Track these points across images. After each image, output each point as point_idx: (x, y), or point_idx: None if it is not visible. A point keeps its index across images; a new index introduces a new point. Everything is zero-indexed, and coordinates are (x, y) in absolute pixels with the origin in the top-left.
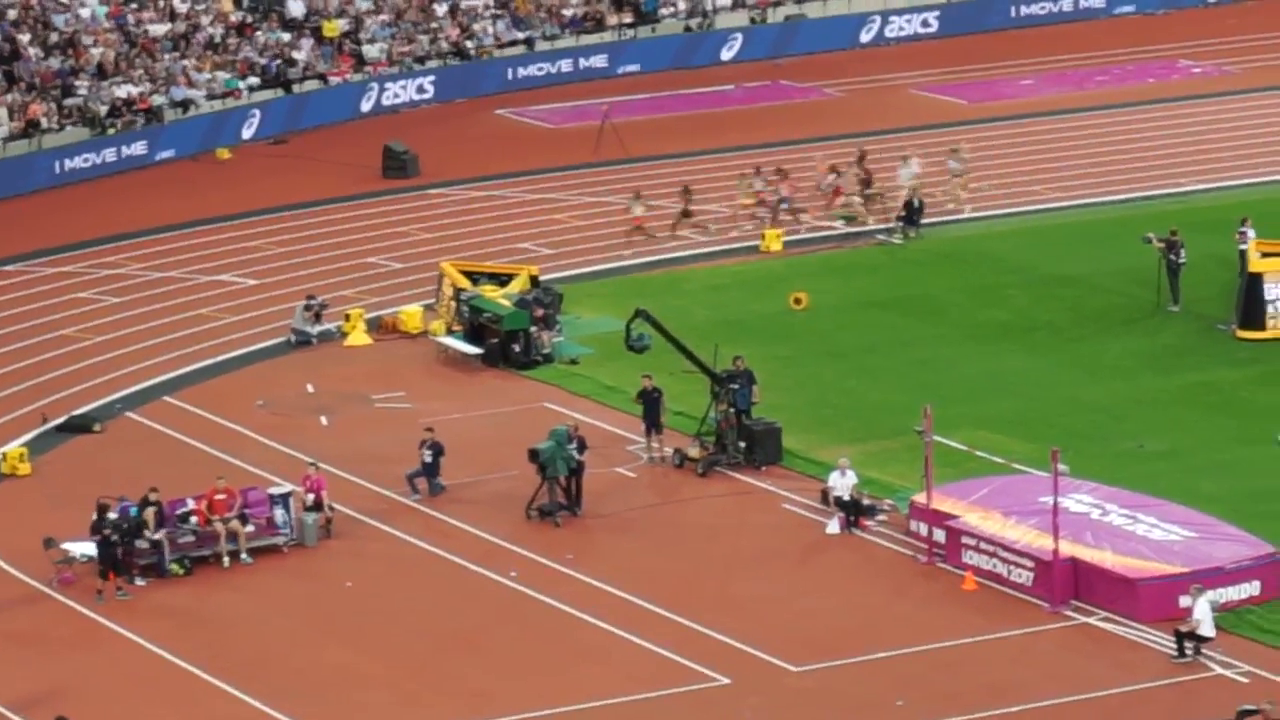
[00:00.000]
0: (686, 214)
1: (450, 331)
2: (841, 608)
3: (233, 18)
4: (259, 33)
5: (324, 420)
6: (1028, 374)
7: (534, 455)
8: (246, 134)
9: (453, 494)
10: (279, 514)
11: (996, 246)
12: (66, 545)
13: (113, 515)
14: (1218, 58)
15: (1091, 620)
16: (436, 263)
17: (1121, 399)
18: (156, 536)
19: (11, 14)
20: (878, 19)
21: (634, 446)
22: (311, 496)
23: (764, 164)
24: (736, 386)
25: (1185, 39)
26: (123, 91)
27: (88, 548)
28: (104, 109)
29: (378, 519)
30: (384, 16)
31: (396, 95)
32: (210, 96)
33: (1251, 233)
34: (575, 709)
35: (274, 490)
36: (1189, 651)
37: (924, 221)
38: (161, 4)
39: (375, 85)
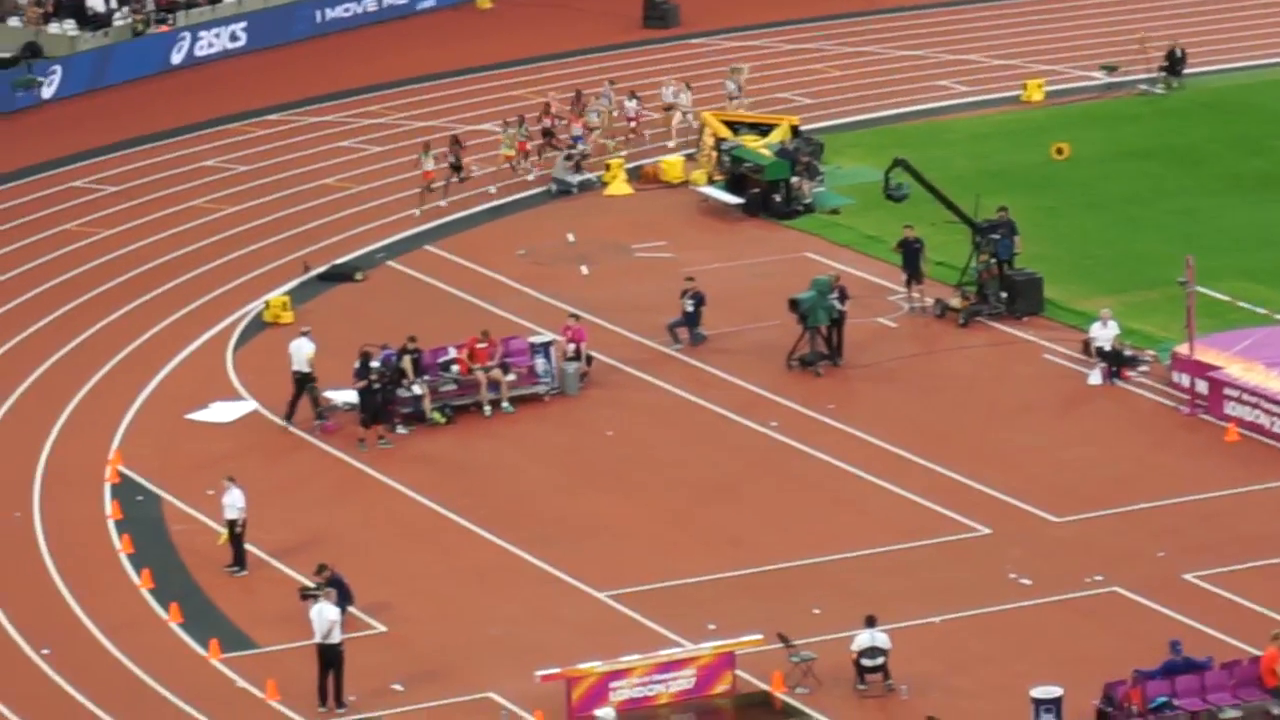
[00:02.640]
0: (456, 168)
1: (711, 181)
2: (1103, 458)
3: None
4: None
5: (585, 270)
6: None
7: (795, 305)
8: None
9: (714, 343)
10: (540, 363)
11: (1259, 97)
12: (329, 393)
13: (375, 363)
14: None
15: None
16: (698, 113)
17: None
18: (416, 388)
19: None
20: None
21: (895, 296)
22: (572, 346)
23: (528, 113)
24: (998, 237)
25: None
26: None
27: (350, 396)
28: None
29: (639, 368)
30: None
31: None
32: None
33: None
34: (834, 558)
35: (535, 339)
36: None
37: (1185, 71)
38: None
39: None
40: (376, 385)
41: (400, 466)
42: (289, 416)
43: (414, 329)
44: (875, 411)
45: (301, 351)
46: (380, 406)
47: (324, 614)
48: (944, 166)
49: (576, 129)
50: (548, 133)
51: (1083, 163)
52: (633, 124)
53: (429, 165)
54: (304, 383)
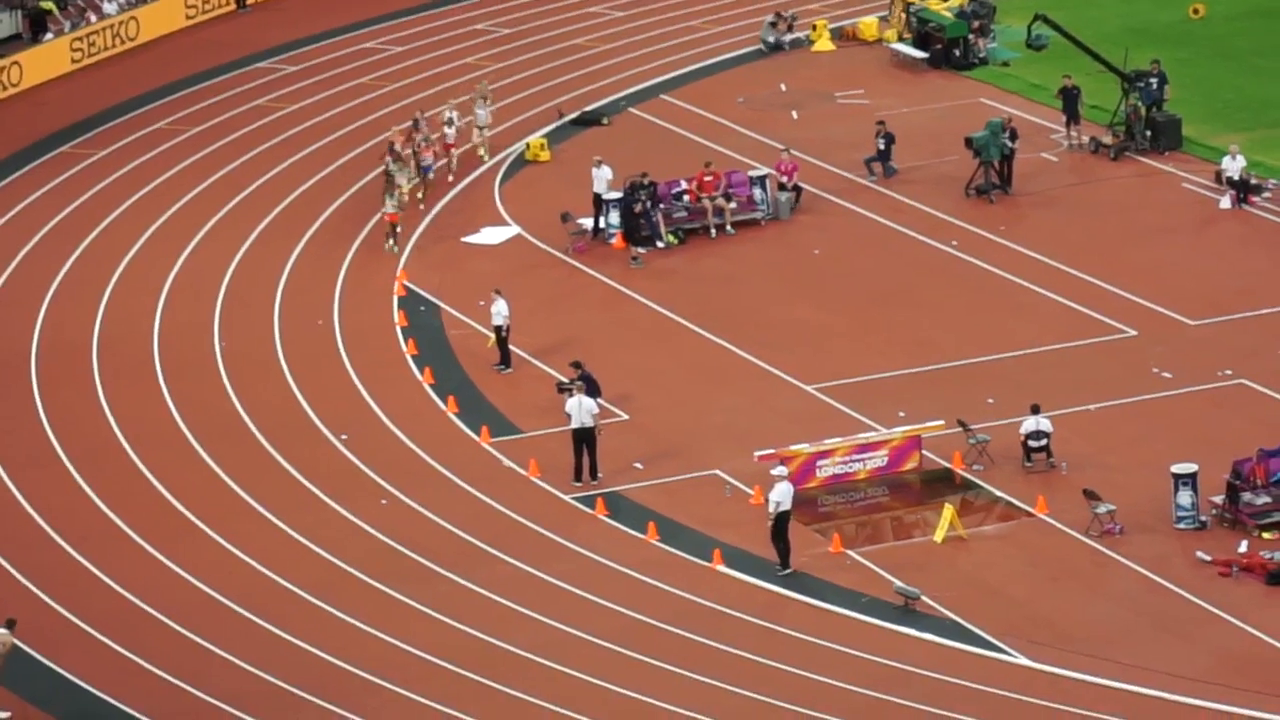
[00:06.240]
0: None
1: (901, 39)
2: (1232, 271)
3: None
4: None
5: (795, 114)
6: None
7: (970, 142)
8: None
9: (903, 176)
10: (757, 193)
11: None
12: (581, 220)
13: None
14: None
15: None
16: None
17: None
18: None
19: None
20: None
21: (1056, 135)
22: (785, 178)
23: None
24: (1143, 84)
25: None
26: None
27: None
28: None
29: (840, 197)
30: None
31: None
32: None
33: None
34: (1005, 356)
35: (753, 173)
36: None
37: None
38: None
39: None
40: (638, 208)
41: (639, 279)
42: (596, 232)
43: (651, 165)
44: (1039, 232)
45: (602, 176)
46: (638, 226)
47: (583, 404)
48: (1096, 25)
49: (427, 158)
50: (390, 174)
51: (1216, 21)
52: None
53: (390, 208)
54: (600, 202)
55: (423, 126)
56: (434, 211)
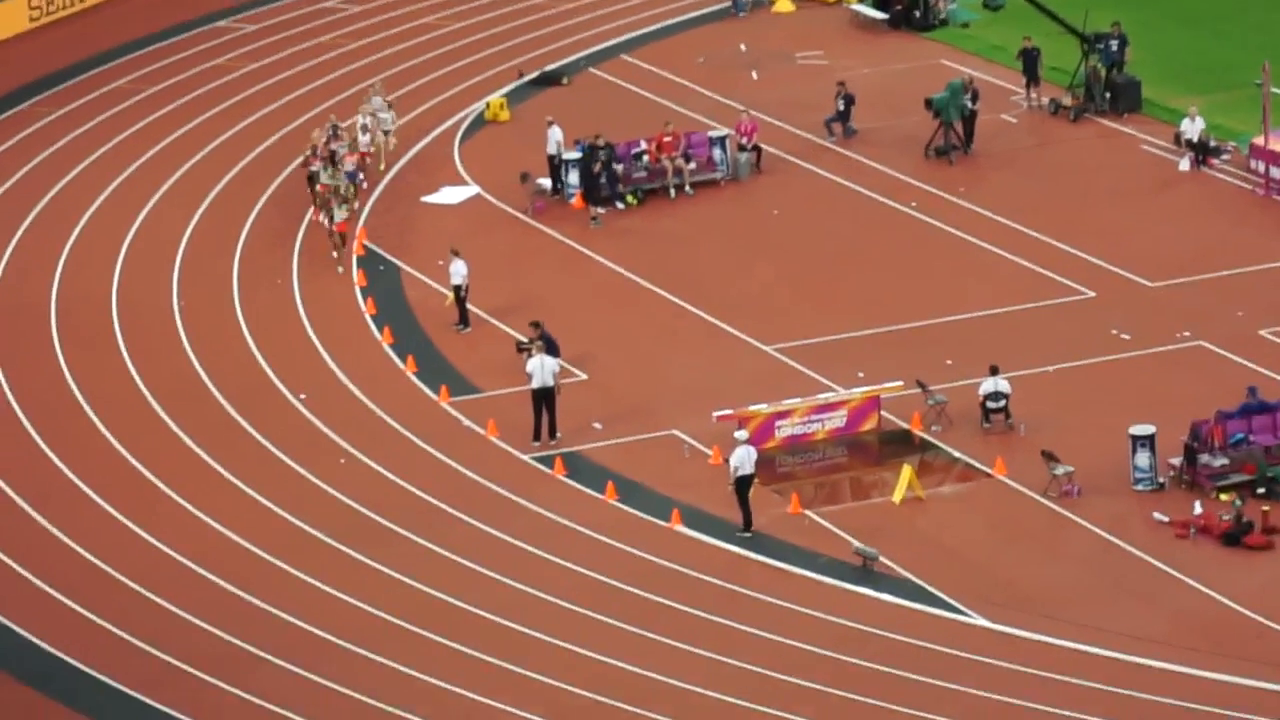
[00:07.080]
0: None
1: (861, 0)
2: (1191, 233)
3: None
4: None
5: (755, 74)
6: None
7: (929, 104)
8: None
9: (863, 137)
10: (717, 153)
11: None
12: (540, 180)
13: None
14: None
15: None
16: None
17: None
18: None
19: None
20: None
21: (1016, 97)
22: (745, 139)
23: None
24: (1102, 47)
25: None
26: None
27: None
28: None
29: (800, 158)
30: None
31: None
32: None
33: None
34: (963, 317)
35: (713, 133)
36: None
37: None
38: None
39: None
40: (598, 168)
41: (598, 240)
42: (555, 190)
43: (611, 125)
44: (999, 193)
45: (553, 136)
46: (598, 187)
47: (546, 364)
48: None
49: (349, 164)
50: (312, 178)
51: None
52: (366, 158)
53: (341, 216)
54: (554, 162)
55: (341, 133)
56: (393, 171)
